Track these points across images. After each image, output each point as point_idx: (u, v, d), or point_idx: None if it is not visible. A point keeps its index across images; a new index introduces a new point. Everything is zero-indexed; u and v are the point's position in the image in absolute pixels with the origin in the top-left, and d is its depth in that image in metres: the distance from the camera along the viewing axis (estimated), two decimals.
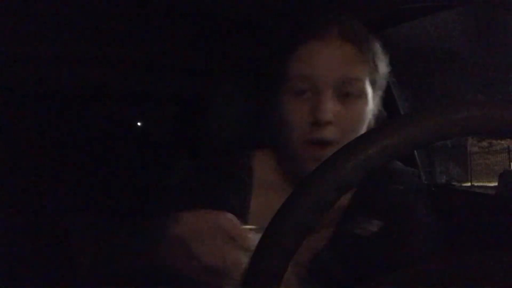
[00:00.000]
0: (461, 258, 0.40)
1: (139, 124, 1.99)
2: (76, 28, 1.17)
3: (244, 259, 0.49)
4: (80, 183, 1.57)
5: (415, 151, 1.24)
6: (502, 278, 0.36)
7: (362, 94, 0.67)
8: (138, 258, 0.74)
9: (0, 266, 1.09)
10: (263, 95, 0.74)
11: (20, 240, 1.33)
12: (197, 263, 0.52)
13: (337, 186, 0.37)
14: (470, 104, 0.38)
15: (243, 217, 0.71)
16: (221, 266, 0.50)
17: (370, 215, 0.67)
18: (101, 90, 1.73)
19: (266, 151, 0.80)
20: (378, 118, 0.73)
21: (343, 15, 0.71)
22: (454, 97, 1.31)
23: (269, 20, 1.12)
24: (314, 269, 0.64)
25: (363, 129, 0.69)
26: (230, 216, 0.54)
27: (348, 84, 0.65)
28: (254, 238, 0.50)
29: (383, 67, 0.72)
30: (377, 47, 0.71)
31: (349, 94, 0.65)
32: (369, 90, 0.68)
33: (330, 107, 0.63)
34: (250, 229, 0.54)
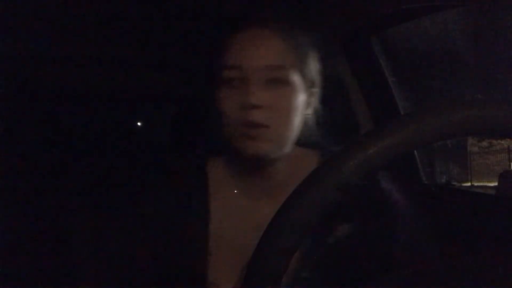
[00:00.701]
0: (460, 258, 0.40)
1: (139, 124, 2.00)
2: (76, 28, 1.17)
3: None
4: (80, 183, 1.57)
5: (415, 151, 1.24)
6: (501, 278, 0.36)
7: (291, 83, 0.69)
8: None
9: (0, 266, 1.09)
10: (199, 87, 0.77)
11: (20, 240, 1.33)
12: None
13: (338, 186, 0.37)
14: (470, 104, 0.38)
15: (205, 220, 0.74)
16: None
17: (343, 216, 0.68)
18: (101, 90, 1.73)
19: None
20: (319, 116, 0.78)
21: (271, 7, 0.74)
22: (454, 97, 1.31)
23: (197, 14, 1.14)
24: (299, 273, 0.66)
25: (296, 119, 0.71)
26: None
27: (276, 71, 0.68)
28: None
29: (312, 61, 0.75)
30: (307, 41, 0.74)
31: (277, 82, 0.68)
32: (296, 79, 0.70)
33: (258, 92, 0.66)
34: None
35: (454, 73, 1.28)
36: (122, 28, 1.22)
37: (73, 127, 1.81)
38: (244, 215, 0.74)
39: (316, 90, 0.77)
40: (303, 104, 0.72)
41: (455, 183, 1.27)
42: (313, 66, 0.76)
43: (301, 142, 0.75)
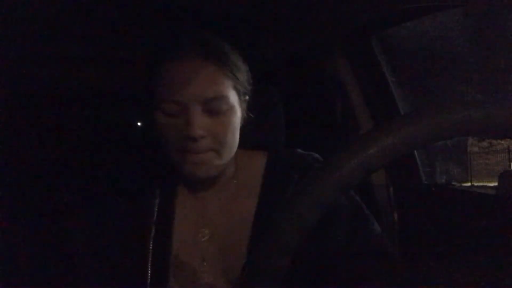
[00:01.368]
0: (460, 258, 0.40)
1: (139, 124, 1.99)
2: (76, 28, 1.17)
3: None
4: (80, 183, 1.56)
5: (415, 151, 1.24)
6: (501, 278, 0.36)
7: (229, 107, 0.72)
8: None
9: (0, 266, 1.09)
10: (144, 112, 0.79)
11: (20, 240, 1.33)
12: None
13: (338, 185, 0.37)
14: (469, 104, 0.38)
15: (169, 225, 0.78)
16: None
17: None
18: (101, 90, 1.73)
19: None
20: (247, 120, 0.80)
21: (201, 33, 0.75)
22: (454, 97, 1.31)
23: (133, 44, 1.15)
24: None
25: (236, 135, 0.75)
26: None
27: (215, 102, 0.70)
28: None
29: (243, 76, 0.76)
30: (235, 57, 0.75)
31: (217, 110, 0.71)
32: (235, 101, 0.74)
33: (199, 124, 0.68)
34: None
35: (454, 73, 1.28)
36: None
37: (77, 127, 1.81)
38: (194, 213, 0.80)
39: (248, 98, 0.80)
40: (239, 119, 0.76)
41: (455, 183, 1.27)
42: (246, 80, 0.78)
43: (244, 145, 0.80)
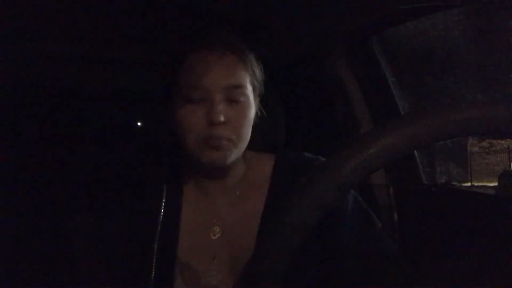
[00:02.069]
0: (460, 258, 0.40)
1: (139, 124, 2.00)
2: (76, 28, 1.17)
3: None
4: (80, 183, 1.57)
5: (415, 151, 1.24)
6: (501, 278, 0.36)
7: (247, 98, 0.76)
8: None
9: (0, 266, 1.09)
10: (162, 102, 0.82)
11: (20, 240, 1.33)
12: None
13: (338, 185, 0.37)
14: (470, 104, 0.38)
15: (176, 223, 0.79)
16: None
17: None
18: (100, 90, 1.73)
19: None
20: (260, 118, 0.83)
21: (223, 28, 0.80)
22: (454, 97, 1.31)
23: (158, 33, 1.17)
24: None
25: (250, 129, 0.78)
26: None
27: (234, 90, 0.74)
28: None
29: (259, 74, 0.81)
30: (252, 57, 0.80)
31: (236, 99, 0.75)
32: (251, 94, 0.78)
33: (222, 110, 0.72)
34: None
35: (454, 73, 1.28)
36: None
37: (77, 127, 1.81)
38: (204, 211, 0.81)
39: (259, 99, 0.84)
40: (254, 114, 0.80)
41: (455, 183, 1.27)
42: (261, 80, 0.82)
43: (252, 147, 0.83)
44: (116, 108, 1.91)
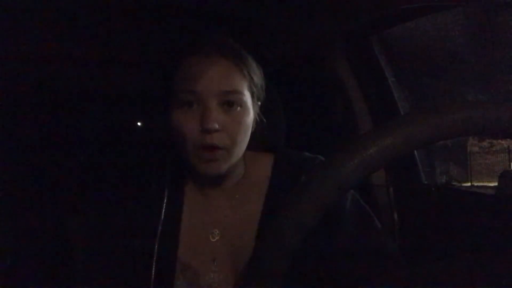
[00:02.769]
0: (460, 258, 0.40)
1: (139, 124, 2.00)
2: (76, 28, 1.17)
3: None
4: (81, 184, 1.57)
5: (415, 151, 1.24)
6: (500, 278, 0.36)
7: (243, 104, 0.75)
8: None
9: (0, 266, 1.09)
10: (156, 107, 0.82)
11: (21, 240, 1.33)
12: None
13: (338, 185, 0.37)
14: (470, 104, 0.38)
15: (176, 224, 0.78)
16: None
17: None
18: (101, 90, 1.73)
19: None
20: (261, 124, 0.83)
21: (219, 33, 0.79)
22: (454, 97, 1.31)
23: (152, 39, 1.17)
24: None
25: (248, 135, 0.77)
26: None
27: (230, 96, 0.73)
28: None
29: (258, 79, 0.79)
30: (251, 61, 0.78)
31: (232, 105, 0.73)
32: (248, 100, 0.76)
33: (216, 117, 0.71)
34: None
35: (454, 73, 1.28)
36: None
37: (76, 128, 1.81)
38: (204, 214, 0.81)
39: (260, 103, 0.83)
40: (252, 120, 0.78)
41: (455, 183, 1.27)
42: (260, 85, 0.81)
43: (251, 147, 0.82)
44: (117, 108, 1.91)
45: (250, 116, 0.77)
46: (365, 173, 0.37)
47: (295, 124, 1.13)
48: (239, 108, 0.74)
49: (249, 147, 0.80)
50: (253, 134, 0.80)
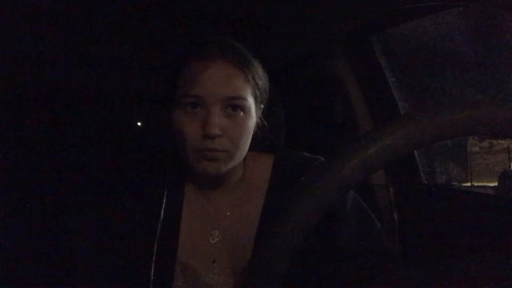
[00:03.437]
0: (460, 258, 0.40)
1: (139, 124, 2.00)
2: (76, 28, 1.17)
3: None
4: (81, 184, 1.56)
5: (415, 151, 1.24)
6: (501, 278, 0.36)
7: (246, 110, 0.75)
8: None
9: (0, 266, 1.09)
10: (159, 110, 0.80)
11: (20, 240, 1.33)
12: None
13: (338, 185, 0.37)
14: (469, 104, 0.38)
15: (176, 225, 0.78)
16: None
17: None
18: (101, 90, 1.73)
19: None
20: (262, 127, 0.83)
21: (224, 37, 0.78)
22: (454, 97, 1.31)
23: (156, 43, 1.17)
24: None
25: (249, 138, 0.77)
26: None
27: (233, 101, 0.73)
28: None
29: (262, 83, 0.79)
30: (256, 65, 0.78)
31: (235, 110, 0.73)
32: (252, 105, 0.76)
33: (218, 122, 0.71)
34: None
35: (454, 73, 1.28)
36: None
37: (76, 127, 1.81)
38: (203, 215, 0.81)
39: (263, 106, 0.83)
40: (254, 124, 0.79)
41: (455, 183, 1.27)
42: (264, 89, 0.80)
43: (251, 147, 0.81)
44: (117, 109, 1.91)
45: (253, 120, 0.77)
46: (365, 173, 0.37)
47: (295, 124, 1.14)
48: (242, 113, 0.74)
49: (249, 148, 0.80)
50: (254, 135, 0.80)
